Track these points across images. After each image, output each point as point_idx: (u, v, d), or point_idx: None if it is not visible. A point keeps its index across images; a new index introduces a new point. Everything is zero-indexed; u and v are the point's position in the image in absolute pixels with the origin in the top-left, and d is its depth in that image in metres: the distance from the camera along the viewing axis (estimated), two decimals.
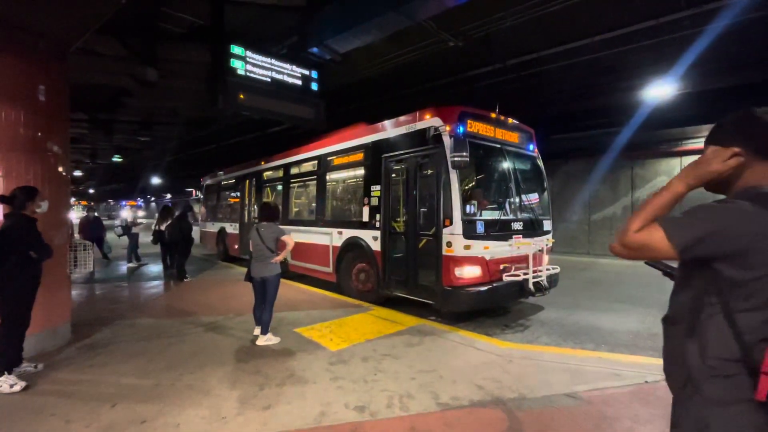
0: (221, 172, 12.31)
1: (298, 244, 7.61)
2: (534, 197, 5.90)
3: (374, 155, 5.93)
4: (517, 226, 5.31)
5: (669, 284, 1.28)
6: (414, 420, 2.67)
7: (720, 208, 1.05)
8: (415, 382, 3.23)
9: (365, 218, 6.00)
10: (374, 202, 5.84)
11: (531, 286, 5.02)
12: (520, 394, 3.02)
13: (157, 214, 9.59)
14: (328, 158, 7.17)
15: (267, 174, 9.48)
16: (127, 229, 10.42)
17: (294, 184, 8.54)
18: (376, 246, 5.76)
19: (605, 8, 5.43)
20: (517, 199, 5.49)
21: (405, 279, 5.45)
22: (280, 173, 8.85)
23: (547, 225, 5.93)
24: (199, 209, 14.40)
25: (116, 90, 8.10)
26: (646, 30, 5.87)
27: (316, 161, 7.52)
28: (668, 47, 6.29)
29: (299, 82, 4.76)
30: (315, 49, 4.92)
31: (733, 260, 1.01)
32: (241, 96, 4.18)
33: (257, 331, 4.27)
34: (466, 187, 4.90)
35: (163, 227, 8.76)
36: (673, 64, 6.65)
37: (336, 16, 4.55)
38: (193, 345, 4.18)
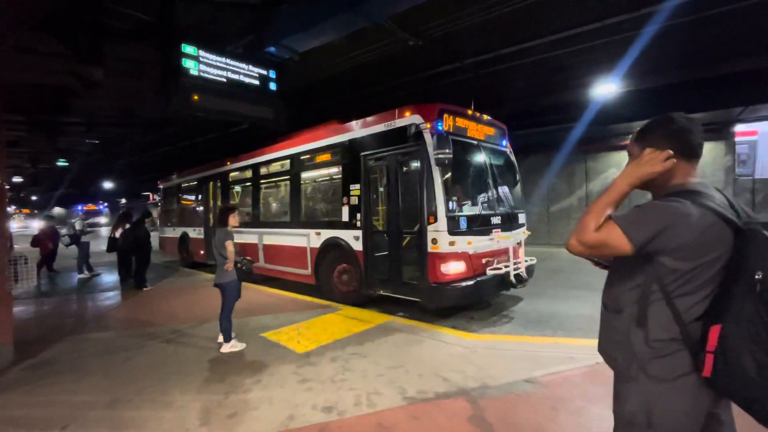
0: (174, 176, 11.80)
1: (270, 247, 7.48)
2: (509, 191, 6.03)
3: (352, 153, 5.81)
4: (497, 220, 5.40)
5: None
6: (381, 416, 2.72)
7: (668, 207, 1.14)
8: (382, 378, 3.29)
9: (345, 218, 5.87)
10: (354, 201, 5.73)
11: (512, 277, 5.13)
12: (483, 383, 3.15)
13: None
14: (302, 157, 6.95)
15: (234, 175, 9.08)
16: (75, 237, 9.76)
17: (264, 185, 8.24)
18: (357, 246, 5.64)
19: (554, 11, 5.69)
20: (495, 194, 5.59)
21: (389, 278, 5.39)
22: (248, 174, 8.50)
23: (522, 218, 6.10)
24: (157, 214, 13.70)
25: (59, 90, 7.56)
26: (592, 31, 6.22)
27: (288, 161, 7.27)
28: (613, 48, 6.70)
29: (257, 82, 4.65)
30: (272, 49, 4.83)
31: (677, 253, 1.12)
32: (196, 97, 4.03)
33: (221, 338, 4.17)
34: (448, 184, 4.89)
35: (117, 234, 8.31)
36: (617, 63, 7.09)
37: (292, 16, 4.49)
38: (153, 357, 4.02)
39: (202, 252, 9.88)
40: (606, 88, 8.17)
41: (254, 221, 8.08)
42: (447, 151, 4.54)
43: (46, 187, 27.63)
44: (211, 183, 9.81)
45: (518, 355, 3.70)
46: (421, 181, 4.84)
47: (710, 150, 10.82)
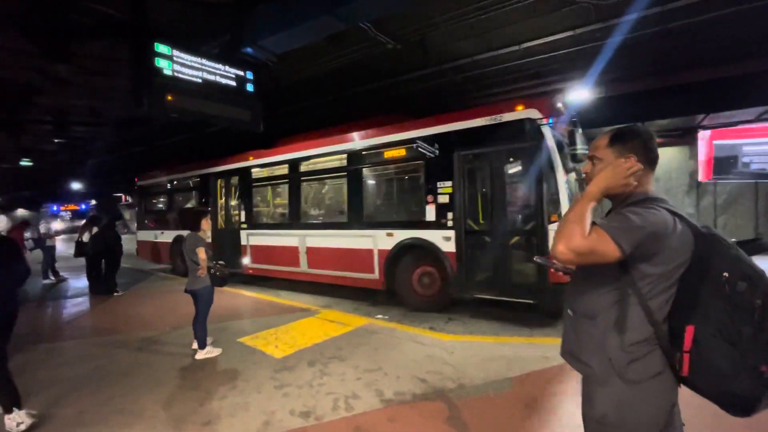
0: (158, 172, 10.65)
1: (317, 250, 6.72)
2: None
3: (439, 149, 5.40)
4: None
5: None
6: (358, 419, 2.72)
7: (652, 214, 1.18)
8: (360, 381, 3.29)
9: (430, 217, 5.42)
10: (443, 199, 5.31)
11: None
12: (460, 383, 3.20)
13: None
14: (365, 153, 6.30)
15: (259, 171, 8.06)
16: (40, 241, 9.29)
17: (307, 183, 7.43)
18: (448, 246, 5.23)
19: (528, 18, 5.85)
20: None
21: (493, 280, 5.08)
22: (282, 170, 7.55)
23: None
24: (135, 216, 12.21)
25: (23, 87, 7.21)
26: (566, 39, 6.43)
27: (344, 156, 6.55)
28: (585, 56, 6.94)
29: (233, 83, 4.57)
30: (249, 50, 4.76)
31: (657, 258, 1.18)
32: (169, 97, 3.92)
33: (196, 344, 4.07)
34: (568, 182, 4.66)
35: (86, 238, 7.98)
36: (589, 71, 7.35)
37: (268, 17, 4.43)
38: (124, 365, 3.89)
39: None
40: (579, 95, 8.44)
41: (292, 222, 7.26)
42: (574, 147, 4.42)
43: (8, 188, 26.25)
44: (221, 180, 8.81)
45: (495, 355, 3.77)
46: (540, 178, 4.59)
47: (675, 154, 11.35)
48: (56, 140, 11.65)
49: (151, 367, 3.83)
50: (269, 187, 8.39)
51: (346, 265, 6.38)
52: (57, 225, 22.95)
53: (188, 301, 4.12)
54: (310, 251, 6.86)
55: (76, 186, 23.64)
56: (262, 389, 3.23)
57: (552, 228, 4.51)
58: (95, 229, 7.86)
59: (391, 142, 5.99)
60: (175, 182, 10.16)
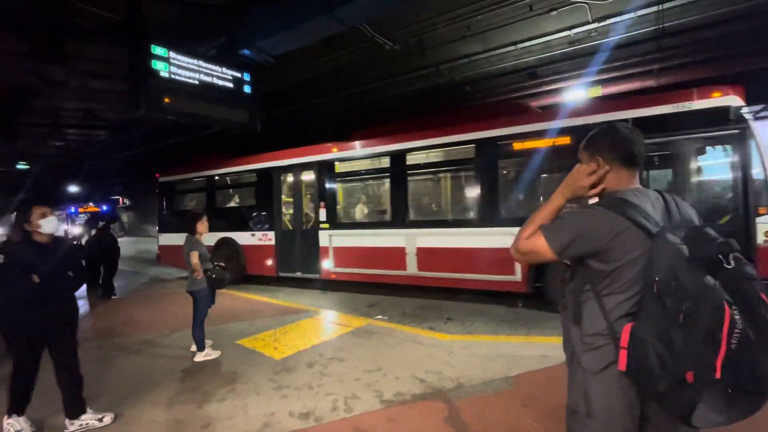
0: (187, 167, 9.40)
1: (433, 251, 6.03)
2: None
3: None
4: None
5: None
6: (358, 420, 2.72)
7: (582, 214, 1.26)
8: (360, 382, 3.29)
9: None
10: None
11: None
12: (459, 383, 3.20)
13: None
14: (505, 142, 5.64)
15: (345, 164, 7.13)
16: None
17: (420, 177, 6.74)
18: None
19: (525, 18, 5.87)
20: None
21: None
22: (381, 163, 6.73)
23: None
24: (160, 216, 10.03)
25: (19, 89, 7.20)
26: (562, 39, 6.46)
27: (471, 147, 5.88)
28: (582, 56, 6.98)
29: (231, 85, 4.57)
30: (246, 51, 4.77)
31: (598, 256, 1.22)
32: (167, 99, 3.93)
33: (195, 347, 4.06)
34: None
35: (83, 242, 7.96)
36: (585, 70, 7.38)
37: (265, 19, 4.44)
38: (121, 368, 3.88)
39: (269, 262, 7.79)
40: (575, 95, 8.46)
41: (396, 220, 6.48)
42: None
43: (4, 192, 26.12)
44: (290, 175, 7.80)
45: (493, 354, 3.77)
46: (744, 167, 4.32)
47: None
48: (53, 143, 11.62)
49: (150, 369, 3.81)
50: (361, 182, 7.51)
51: (474, 267, 5.73)
52: (76, 229, 22.44)
53: (187, 303, 4.11)
54: (422, 252, 6.13)
55: (73, 188, 23.55)
56: (261, 391, 3.22)
57: (762, 221, 4.23)
58: (93, 232, 7.85)
59: (540, 131, 5.32)
60: (217, 178, 8.87)
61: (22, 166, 14.21)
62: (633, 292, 1.19)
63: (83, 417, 2.78)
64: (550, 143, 5.29)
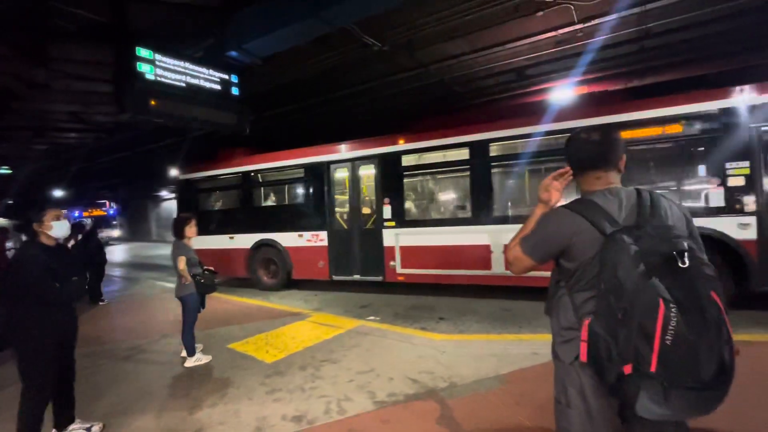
0: (215, 163, 8.47)
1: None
2: None
3: (730, 124, 4.61)
4: None
5: None
6: (351, 422, 2.72)
7: (549, 217, 1.36)
8: (353, 384, 3.28)
9: (717, 202, 4.69)
10: (736, 181, 4.60)
11: None
12: (451, 383, 3.21)
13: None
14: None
15: (414, 158, 6.54)
16: None
17: (508, 168, 6.12)
18: (745, 234, 4.56)
19: (512, 19, 5.92)
20: None
21: None
22: (461, 155, 6.14)
23: None
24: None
25: (1, 93, 7.03)
26: (549, 40, 6.54)
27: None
28: (569, 56, 7.07)
29: (218, 87, 4.53)
30: (233, 53, 4.73)
31: (565, 255, 1.30)
32: (153, 102, 3.88)
33: (185, 352, 4.02)
34: None
35: (69, 246, 7.80)
36: (572, 71, 7.49)
37: (252, 20, 4.42)
38: (110, 375, 3.82)
39: (320, 265, 7.10)
40: (562, 94, 8.57)
41: (478, 217, 5.95)
42: None
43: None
44: (345, 169, 7.11)
45: (485, 353, 3.80)
46: None
47: None
48: (36, 147, 11.37)
49: (139, 376, 3.76)
50: (433, 177, 6.86)
51: None
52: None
53: (177, 308, 4.06)
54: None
55: (58, 193, 23.11)
56: (253, 395, 3.20)
57: None
58: (79, 237, 7.70)
59: (643, 119, 4.98)
60: (253, 174, 8.00)
61: (4, 170, 13.88)
62: (596, 290, 1.23)
63: (71, 427, 2.74)
64: (657, 132, 5.01)
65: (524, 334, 4.46)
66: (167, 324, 5.37)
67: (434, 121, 6.56)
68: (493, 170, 6.04)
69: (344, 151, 7.06)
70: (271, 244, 7.58)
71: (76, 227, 8.09)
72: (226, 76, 4.66)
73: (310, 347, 4.22)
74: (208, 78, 4.49)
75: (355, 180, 7.03)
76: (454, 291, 6.52)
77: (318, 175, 7.21)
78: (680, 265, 1.03)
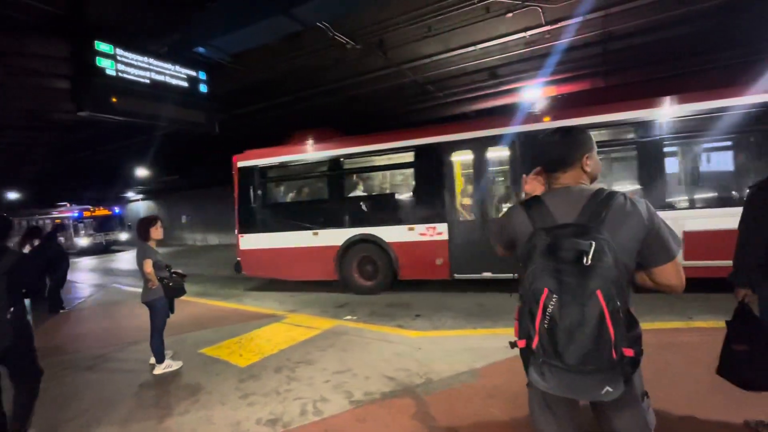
0: (285, 148, 7.32)
1: (702, 235, 4.74)
2: None
3: None
4: None
5: None
6: (327, 423, 2.70)
7: (505, 212, 1.52)
8: (329, 384, 3.26)
9: None
10: None
11: None
12: (427, 378, 3.25)
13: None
14: None
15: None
16: None
17: (692, 146, 5.32)
18: None
19: (483, 20, 6.03)
20: None
21: None
22: (623, 133, 5.44)
23: None
24: (241, 212, 7.58)
25: None
26: (519, 41, 6.70)
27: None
28: (538, 57, 7.27)
29: (185, 84, 4.38)
30: (201, 49, 4.58)
31: (514, 245, 1.43)
32: (114, 99, 3.70)
33: (154, 359, 3.87)
34: None
35: (25, 251, 7.35)
36: (541, 71, 7.71)
37: (221, 16, 4.29)
38: (73, 386, 3.63)
39: (438, 262, 6.19)
40: (532, 94, 8.81)
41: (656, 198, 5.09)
42: None
43: None
44: (470, 152, 6.16)
45: (460, 348, 3.86)
46: None
47: None
48: None
49: (104, 386, 3.60)
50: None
51: None
52: (81, 240, 18.70)
53: (144, 314, 3.91)
54: (692, 237, 4.80)
55: (12, 195, 21.75)
56: (227, 400, 3.12)
57: None
58: (36, 242, 7.26)
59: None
60: (345, 159, 6.89)
61: None
62: None
63: None
64: None
65: (498, 328, 4.55)
66: (134, 330, 5.16)
67: (587, 96, 5.84)
68: (667, 148, 5.27)
69: (472, 131, 6.07)
70: (369, 240, 6.57)
71: (31, 232, 7.62)
72: (193, 73, 4.51)
73: (285, 349, 4.15)
74: (174, 74, 4.33)
75: (484, 163, 6.06)
76: (431, 287, 6.58)
77: (434, 159, 6.21)
78: (584, 263, 1.12)
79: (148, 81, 4.06)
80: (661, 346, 3.42)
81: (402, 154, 6.55)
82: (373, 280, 6.69)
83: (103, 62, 3.71)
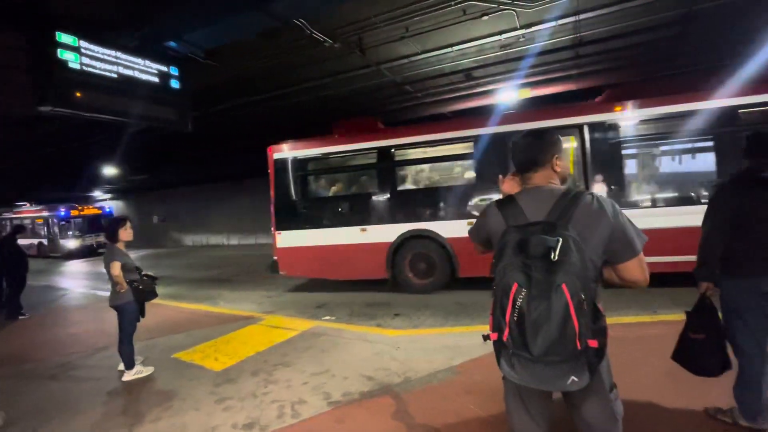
0: (322, 140, 7.00)
1: None
2: None
3: None
4: None
5: None
6: (305, 425, 2.67)
7: (481, 213, 1.56)
8: (307, 386, 3.23)
9: None
10: None
11: None
12: (406, 377, 3.26)
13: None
14: None
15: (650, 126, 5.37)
16: None
17: None
18: None
19: (459, 22, 6.11)
20: None
21: None
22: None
23: None
24: (278, 207, 7.11)
25: None
26: (494, 43, 6.83)
27: None
28: (513, 60, 7.44)
29: (156, 80, 4.21)
30: (173, 44, 4.42)
31: (490, 242, 1.50)
32: (78, 94, 3.51)
33: (123, 365, 3.71)
34: None
35: None
36: (516, 73, 7.89)
37: (194, 9, 4.14)
38: (35, 396, 3.44)
39: None
40: (507, 96, 9.01)
41: None
42: None
43: None
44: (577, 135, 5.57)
45: (439, 346, 3.90)
46: None
47: None
48: None
49: (69, 395, 3.42)
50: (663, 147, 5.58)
51: None
52: (70, 242, 17.26)
53: (113, 318, 3.74)
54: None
55: None
56: (201, 406, 3.04)
57: None
58: None
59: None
60: (395, 150, 6.49)
61: None
62: None
63: None
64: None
65: (476, 325, 4.63)
66: (102, 336, 4.93)
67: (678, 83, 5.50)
68: None
69: (547, 119, 5.67)
70: (425, 236, 6.23)
71: None
72: (164, 68, 4.34)
73: (262, 352, 4.08)
74: (144, 69, 4.15)
75: (597, 148, 5.55)
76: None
77: (503, 146, 5.65)
78: (551, 258, 1.16)
79: (115, 75, 3.87)
80: (628, 339, 3.57)
81: (465, 145, 6.19)
82: (425, 278, 6.40)
83: (65, 55, 3.51)
